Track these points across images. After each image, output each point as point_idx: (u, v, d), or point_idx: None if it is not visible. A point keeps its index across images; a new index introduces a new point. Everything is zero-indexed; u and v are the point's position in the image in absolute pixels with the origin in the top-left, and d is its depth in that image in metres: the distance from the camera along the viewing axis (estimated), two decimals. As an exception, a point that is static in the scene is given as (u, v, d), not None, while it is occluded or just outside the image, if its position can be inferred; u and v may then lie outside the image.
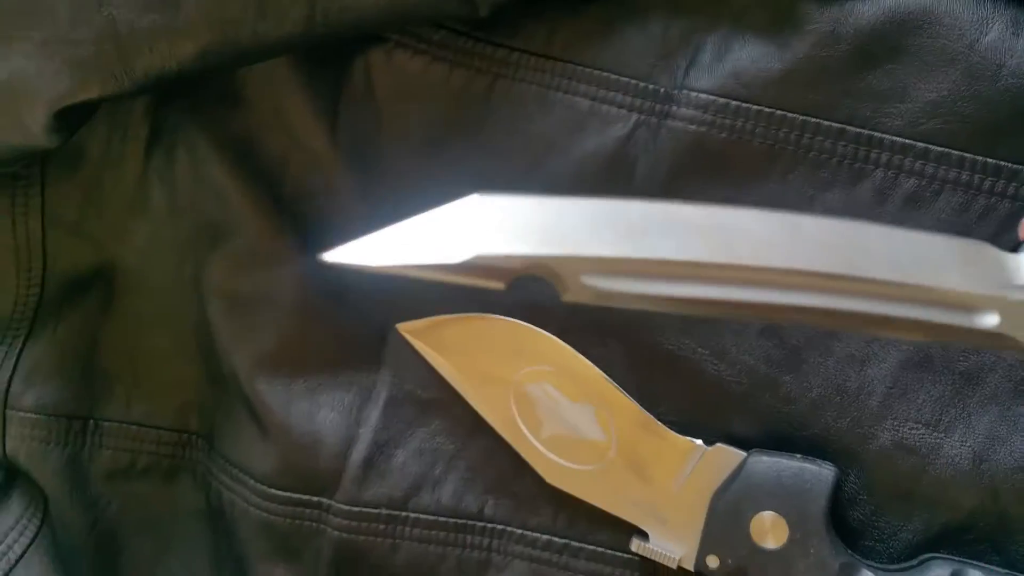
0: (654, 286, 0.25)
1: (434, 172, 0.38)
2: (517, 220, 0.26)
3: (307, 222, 0.39)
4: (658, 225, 0.25)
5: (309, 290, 0.38)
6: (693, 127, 0.35)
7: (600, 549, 0.38)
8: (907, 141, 0.34)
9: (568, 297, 0.25)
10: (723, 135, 0.35)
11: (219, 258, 0.39)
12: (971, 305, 0.24)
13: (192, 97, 0.38)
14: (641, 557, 0.36)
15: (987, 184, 0.34)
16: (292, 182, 0.39)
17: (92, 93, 0.33)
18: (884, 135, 0.35)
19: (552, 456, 0.37)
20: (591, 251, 0.25)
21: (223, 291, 0.39)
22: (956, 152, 0.34)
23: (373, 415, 0.39)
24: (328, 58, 0.37)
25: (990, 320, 0.24)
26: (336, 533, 0.39)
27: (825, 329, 0.26)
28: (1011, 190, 0.34)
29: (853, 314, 0.24)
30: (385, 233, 0.27)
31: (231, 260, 0.39)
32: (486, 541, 0.38)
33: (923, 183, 0.35)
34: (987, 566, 0.33)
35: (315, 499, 0.39)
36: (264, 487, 0.39)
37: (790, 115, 0.35)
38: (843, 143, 0.35)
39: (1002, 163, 0.34)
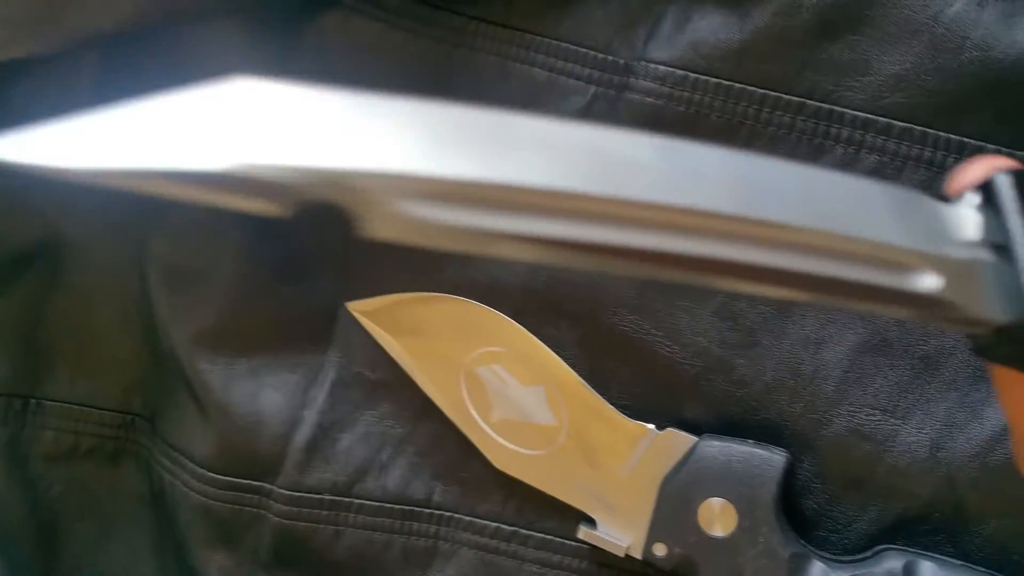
0: (501, 220, 0.18)
1: None
2: (309, 119, 0.18)
3: None
4: (516, 141, 0.19)
5: (252, 265, 0.37)
6: (651, 100, 0.34)
7: (549, 537, 0.36)
8: (869, 116, 0.33)
9: (373, 230, 0.18)
10: (681, 108, 0.34)
11: (160, 231, 0.38)
12: (907, 263, 0.20)
13: (133, 59, 0.37)
14: (590, 545, 0.35)
15: (950, 162, 0.33)
16: None
17: (21, 51, 0.32)
18: (845, 110, 0.33)
19: (501, 440, 0.36)
20: (415, 167, 0.18)
21: (163, 265, 0.38)
22: (919, 128, 0.33)
23: (319, 397, 0.38)
24: (279, 21, 0.36)
25: (929, 282, 0.20)
26: (277, 519, 0.37)
27: (728, 288, 0.20)
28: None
29: (762, 269, 0.19)
30: (92, 120, 0.17)
31: (171, 233, 0.38)
32: (433, 528, 0.37)
33: (885, 160, 0.33)
34: (942, 558, 0.32)
35: (256, 484, 0.38)
36: (203, 471, 0.38)
37: (749, 88, 0.34)
38: (803, 118, 0.34)
39: (965, 140, 0.33)
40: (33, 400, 0.40)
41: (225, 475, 0.38)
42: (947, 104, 0.33)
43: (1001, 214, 0.21)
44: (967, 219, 0.22)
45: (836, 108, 0.33)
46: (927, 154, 0.33)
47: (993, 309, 0.21)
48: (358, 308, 0.37)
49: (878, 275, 0.20)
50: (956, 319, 0.21)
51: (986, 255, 0.21)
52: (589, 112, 0.35)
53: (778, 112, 0.34)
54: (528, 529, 0.37)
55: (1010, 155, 0.33)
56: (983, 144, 0.33)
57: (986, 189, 0.22)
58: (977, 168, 0.22)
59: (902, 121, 0.33)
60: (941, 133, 0.33)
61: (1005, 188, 0.22)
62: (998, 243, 0.21)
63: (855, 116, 0.33)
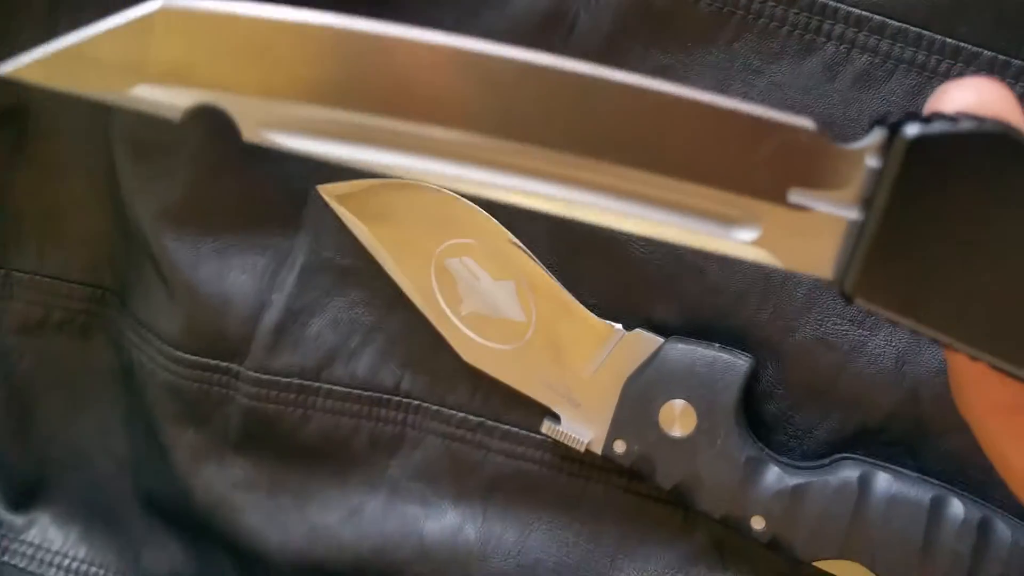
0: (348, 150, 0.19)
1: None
2: (209, 35, 0.18)
3: None
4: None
5: (219, 141, 0.36)
6: None
7: (515, 429, 0.37)
8: (863, 13, 0.32)
9: (248, 139, 0.19)
10: None
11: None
12: (722, 212, 0.18)
13: None
14: (553, 439, 0.35)
15: (943, 67, 0.31)
16: None
17: None
18: (840, 4, 0.32)
19: (470, 334, 0.36)
20: (276, 92, 0.19)
21: (128, 136, 0.37)
22: (914, 29, 0.31)
23: (288, 280, 0.37)
24: None
25: (744, 235, 0.18)
26: (245, 400, 0.38)
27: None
28: (969, 75, 0.31)
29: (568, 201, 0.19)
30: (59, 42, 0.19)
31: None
32: (401, 416, 0.37)
33: (876, 60, 0.32)
34: (898, 469, 0.32)
35: (223, 364, 0.38)
36: (171, 348, 0.38)
37: None
38: (795, 11, 0.32)
39: (961, 44, 0.31)
40: (2, 271, 0.39)
41: (192, 354, 0.38)
42: (945, 5, 0.31)
43: (879, 176, 0.18)
44: (847, 166, 0.18)
45: (830, 2, 0.32)
46: (920, 57, 0.32)
47: (816, 265, 0.19)
48: (329, 191, 0.36)
49: (689, 220, 0.19)
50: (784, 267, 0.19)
51: (828, 208, 0.18)
52: None
53: (770, 3, 0.32)
54: (494, 420, 0.37)
55: (1006, 62, 0.31)
56: (980, 50, 0.31)
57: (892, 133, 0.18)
58: (960, 92, 0.19)
59: (897, 20, 0.31)
60: (937, 36, 0.31)
61: (897, 151, 0.18)
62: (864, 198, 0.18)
63: (849, 12, 0.32)
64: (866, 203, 0.18)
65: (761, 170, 0.18)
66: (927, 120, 0.18)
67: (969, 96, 0.18)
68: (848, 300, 0.18)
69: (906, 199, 0.18)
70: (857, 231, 0.18)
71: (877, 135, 0.18)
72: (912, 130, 0.17)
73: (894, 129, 0.18)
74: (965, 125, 0.17)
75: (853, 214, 0.18)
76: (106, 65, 0.19)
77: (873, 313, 0.19)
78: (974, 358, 0.18)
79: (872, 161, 0.18)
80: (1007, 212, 0.18)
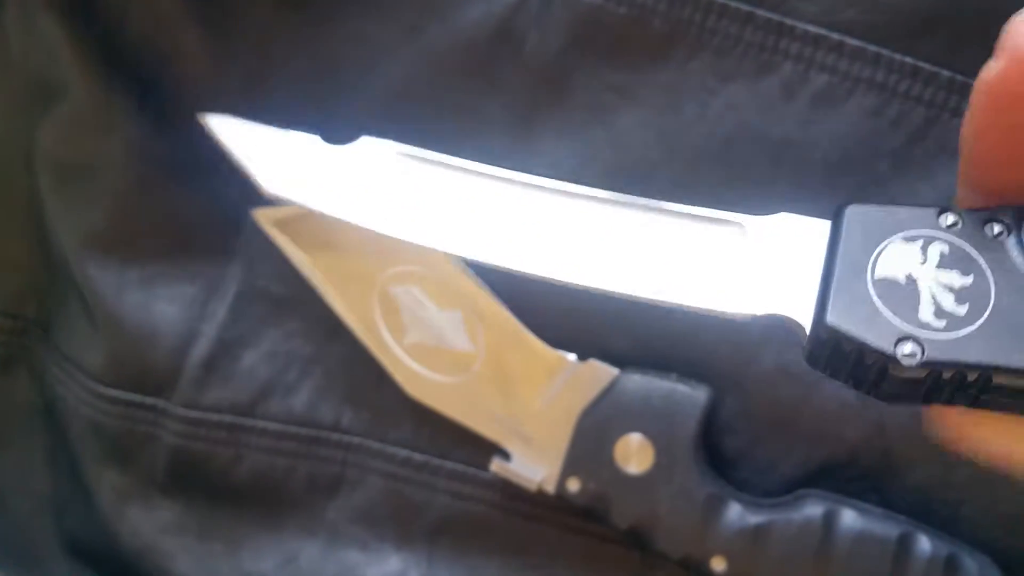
0: None
1: (299, 32, 0.33)
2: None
3: (147, 86, 0.34)
4: None
5: (146, 163, 0.34)
6: None
7: (462, 468, 0.35)
8: (821, 32, 0.31)
9: None
10: (622, 10, 0.31)
11: (49, 121, 0.35)
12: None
13: None
14: (503, 478, 0.33)
15: (903, 86, 0.31)
16: (131, 39, 0.34)
17: None
18: (797, 23, 0.31)
19: (414, 366, 0.34)
20: None
21: (52, 159, 0.35)
22: (872, 48, 0.30)
23: (219, 310, 0.35)
24: None
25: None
26: (173, 439, 0.35)
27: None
28: (927, 95, 0.31)
29: None
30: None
31: (61, 124, 0.34)
32: (340, 455, 0.35)
33: (835, 80, 0.31)
34: (864, 505, 0.31)
35: (149, 401, 0.35)
36: (94, 384, 0.35)
37: None
38: (751, 29, 0.31)
39: (920, 64, 0.30)
40: None
41: (116, 390, 0.35)
42: (904, 23, 0.30)
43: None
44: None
45: (787, 21, 0.31)
46: (880, 77, 0.31)
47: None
48: (266, 216, 0.34)
49: None
50: None
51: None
52: (521, 9, 0.32)
53: (724, 21, 0.31)
54: (440, 459, 0.35)
55: (964, 83, 0.30)
56: (939, 69, 0.30)
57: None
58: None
59: (856, 39, 0.31)
60: (896, 55, 0.30)
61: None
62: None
63: (806, 31, 0.31)
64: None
65: None
66: None
67: None
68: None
69: None
70: None
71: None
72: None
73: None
74: None
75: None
76: None
77: None
78: None
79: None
80: None
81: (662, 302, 0.22)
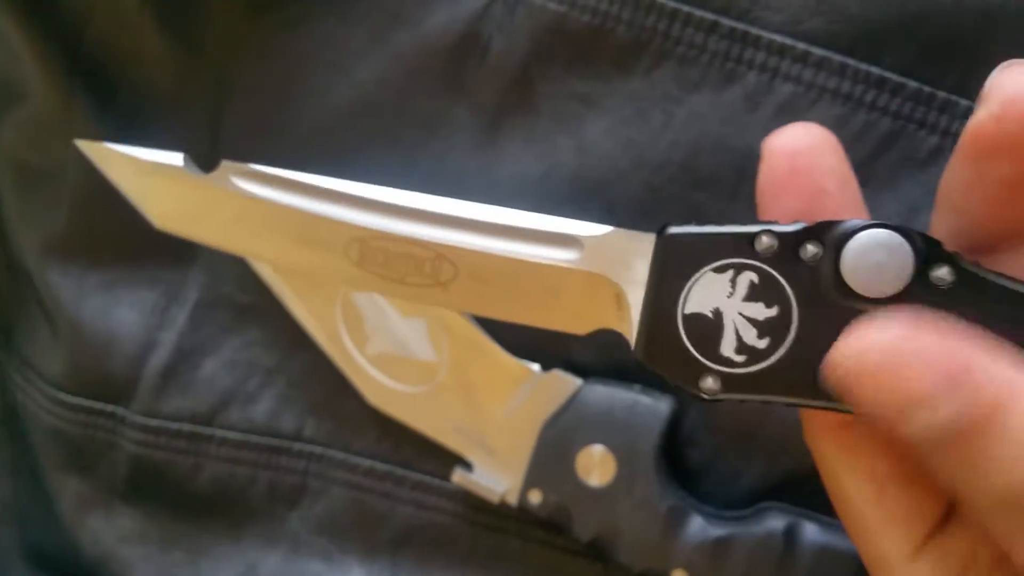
0: None
1: (263, 38, 0.33)
2: None
3: (110, 89, 0.34)
4: None
5: None
6: (553, 5, 0.31)
7: (426, 478, 0.34)
8: (786, 41, 0.30)
9: None
10: (586, 18, 0.31)
11: (10, 123, 0.34)
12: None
13: None
14: (465, 489, 0.33)
15: (869, 97, 0.30)
16: (93, 41, 0.33)
17: None
18: (762, 32, 0.30)
19: (377, 375, 0.34)
20: None
21: (13, 162, 0.34)
22: (838, 58, 0.30)
23: (179, 317, 0.34)
24: None
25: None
26: (132, 447, 0.35)
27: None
28: (893, 106, 0.30)
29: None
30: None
31: (22, 126, 0.34)
32: (302, 464, 0.35)
33: (800, 90, 0.31)
34: (825, 519, 0.30)
35: (108, 408, 0.35)
36: (54, 391, 0.35)
37: (660, 1, 0.30)
38: (716, 38, 0.31)
39: (886, 74, 0.30)
40: None
41: (76, 397, 0.35)
42: (870, 33, 0.30)
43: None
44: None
45: (752, 30, 0.30)
46: (845, 87, 0.30)
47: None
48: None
49: None
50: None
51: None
52: (485, 16, 0.31)
53: (689, 30, 0.31)
54: (404, 469, 0.34)
55: (932, 93, 0.30)
56: (905, 80, 0.30)
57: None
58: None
59: (821, 48, 0.30)
60: (861, 65, 0.30)
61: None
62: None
63: (771, 40, 0.30)
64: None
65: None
66: None
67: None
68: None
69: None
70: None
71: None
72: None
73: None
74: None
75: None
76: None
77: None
78: None
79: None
80: None
81: (502, 319, 0.22)
